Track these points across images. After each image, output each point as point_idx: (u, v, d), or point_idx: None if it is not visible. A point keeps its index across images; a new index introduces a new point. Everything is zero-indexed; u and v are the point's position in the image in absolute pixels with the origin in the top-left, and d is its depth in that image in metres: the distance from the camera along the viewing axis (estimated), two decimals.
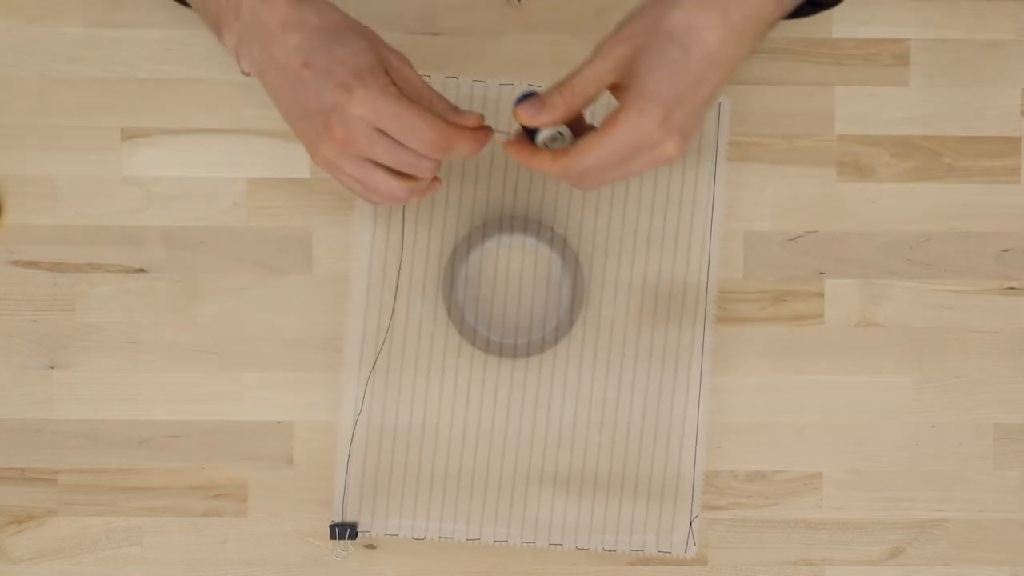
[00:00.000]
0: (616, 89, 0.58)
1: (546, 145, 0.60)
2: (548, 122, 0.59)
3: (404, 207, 0.72)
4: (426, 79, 0.73)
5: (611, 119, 0.57)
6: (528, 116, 0.59)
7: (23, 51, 0.72)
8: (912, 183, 0.74)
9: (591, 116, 0.64)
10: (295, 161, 0.73)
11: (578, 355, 0.73)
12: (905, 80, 0.73)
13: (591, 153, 0.58)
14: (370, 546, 0.73)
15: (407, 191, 0.61)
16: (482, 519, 0.73)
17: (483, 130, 0.61)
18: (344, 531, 0.72)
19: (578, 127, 0.61)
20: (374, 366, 0.72)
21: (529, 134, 0.61)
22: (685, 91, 0.56)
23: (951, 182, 0.74)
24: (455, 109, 0.61)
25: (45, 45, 0.72)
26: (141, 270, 0.73)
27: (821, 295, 0.74)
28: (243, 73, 0.62)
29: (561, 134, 0.60)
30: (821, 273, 0.74)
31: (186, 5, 0.66)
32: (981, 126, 0.74)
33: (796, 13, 0.62)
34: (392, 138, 0.58)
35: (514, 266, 0.73)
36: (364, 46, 0.59)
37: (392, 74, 0.59)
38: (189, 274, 0.73)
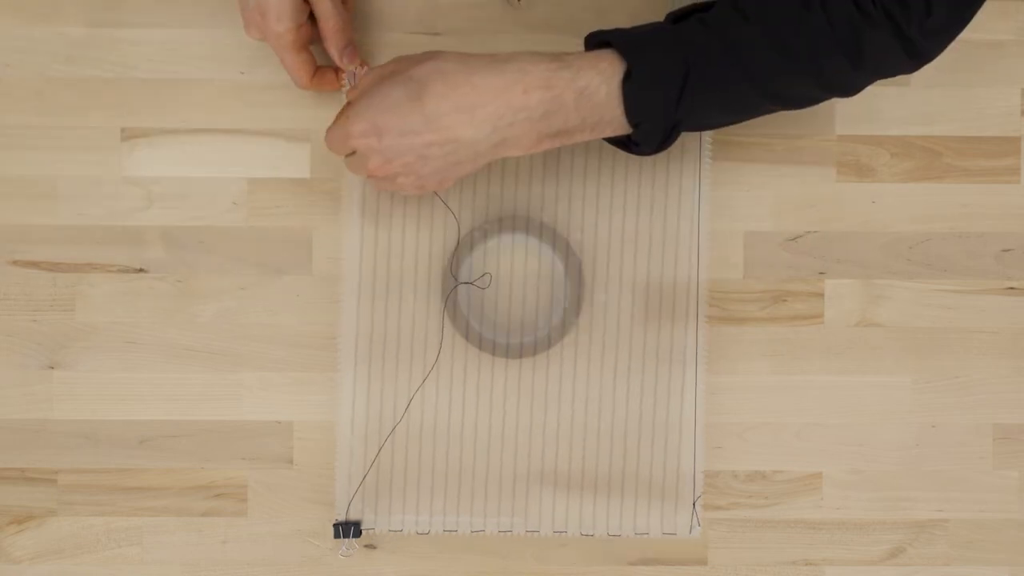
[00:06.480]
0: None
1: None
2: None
3: (404, 206, 0.72)
4: None
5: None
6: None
7: (23, 51, 0.72)
8: (912, 183, 0.74)
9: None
10: (295, 161, 0.73)
11: (577, 355, 0.73)
12: (905, 80, 0.73)
13: (339, 123, 0.65)
14: (370, 546, 0.73)
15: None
16: (485, 517, 0.73)
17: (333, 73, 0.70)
18: (348, 529, 0.72)
19: None
20: (371, 366, 0.72)
21: None
22: (390, 126, 0.62)
23: (951, 182, 0.74)
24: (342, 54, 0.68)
25: (45, 45, 0.72)
26: (141, 270, 0.73)
27: (821, 295, 0.74)
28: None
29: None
30: (821, 273, 0.74)
31: None
32: (981, 126, 0.74)
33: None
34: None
35: (514, 266, 0.73)
36: None
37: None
38: (189, 274, 0.73)
